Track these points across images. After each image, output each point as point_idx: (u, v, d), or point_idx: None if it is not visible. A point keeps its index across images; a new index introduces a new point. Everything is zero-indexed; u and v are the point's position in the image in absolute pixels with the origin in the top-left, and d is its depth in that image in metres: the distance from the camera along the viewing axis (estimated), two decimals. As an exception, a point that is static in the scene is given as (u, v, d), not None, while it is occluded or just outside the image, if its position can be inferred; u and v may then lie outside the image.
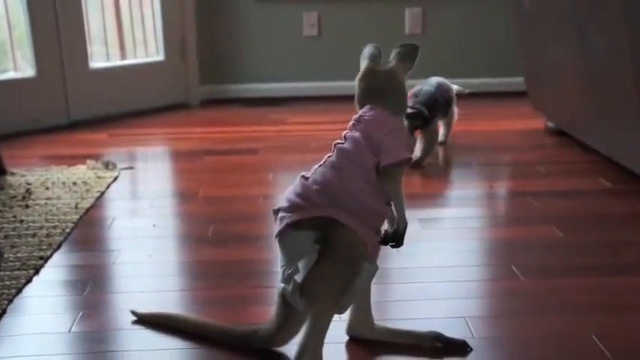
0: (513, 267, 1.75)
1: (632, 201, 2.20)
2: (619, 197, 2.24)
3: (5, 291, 1.63)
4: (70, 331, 1.47)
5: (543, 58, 2.83)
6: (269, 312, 1.38)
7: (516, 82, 3.61)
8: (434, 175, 2.56)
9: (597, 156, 2.58)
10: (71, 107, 3.38)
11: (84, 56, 3.40)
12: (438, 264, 1.79)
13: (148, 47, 3.71)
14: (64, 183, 2.43)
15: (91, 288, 1.67)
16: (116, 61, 3.62)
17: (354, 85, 1.36)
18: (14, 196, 2.30)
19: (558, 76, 2.73)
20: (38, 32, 3.23)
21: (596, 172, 2.46)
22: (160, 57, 3.67)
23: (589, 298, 1.60)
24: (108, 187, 2.42)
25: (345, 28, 3.78)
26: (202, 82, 3.79)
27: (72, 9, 3.31)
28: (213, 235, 1.99)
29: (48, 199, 2.28)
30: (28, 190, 2.34)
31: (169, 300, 1.62)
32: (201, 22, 3.72)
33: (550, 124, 3.02)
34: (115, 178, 2.51)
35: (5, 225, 2.05)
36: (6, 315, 1.54)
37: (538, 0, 2.71)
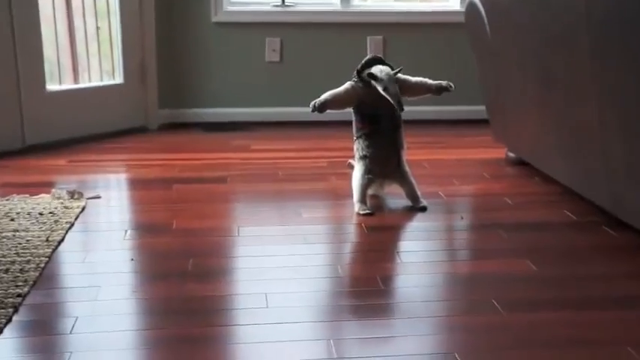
0: (494, 301, 1.79)
1: (597, 234, 2.27)
2: (584, 230, 2.31)
3: (-14, 332, 1.58)
4: (61, 375, 1.44)
5: (506, 91, 2.92)
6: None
7: (472, 110, 3.72)
8: (405, 206, 2.56)
9: (559, 187, 2.66)
10: (26, 131, 3.29)
11: (41, 79, 3.32)
12: (420, 299, 1.83)
13: (106, 70, 3.66)
14: (29, 213, 2.37)
15: (77, 326, 1.63)
16: (74, 84, 3.55)
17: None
18: (-21, 228, 2.23)
19: (521, 109, 2.82)
20: (-5, 54, 3.15)
21: (559, 204, 2.54)
22: (119, 80, 3.62)
23: (570, 332, 1.64)
24: (77, 217, 2.36)
25: (307, 55, 3.81)
26: (161, 106, 3.75)
27: (30, 31, 3.24)
28: (193, 269, 1.97)
29: (15, 231, 2.21)
30: (-7, 221, 2.27)
31: (161, 338, 1.60)
32: (162, 45, 3.68)
33: (510, 154, 3.10)
34: (83, 209, 2.45)
35: (-26, 259, 1.98)
36: (-10, 358, 1.50)
37: (502, 34, 2.80)
